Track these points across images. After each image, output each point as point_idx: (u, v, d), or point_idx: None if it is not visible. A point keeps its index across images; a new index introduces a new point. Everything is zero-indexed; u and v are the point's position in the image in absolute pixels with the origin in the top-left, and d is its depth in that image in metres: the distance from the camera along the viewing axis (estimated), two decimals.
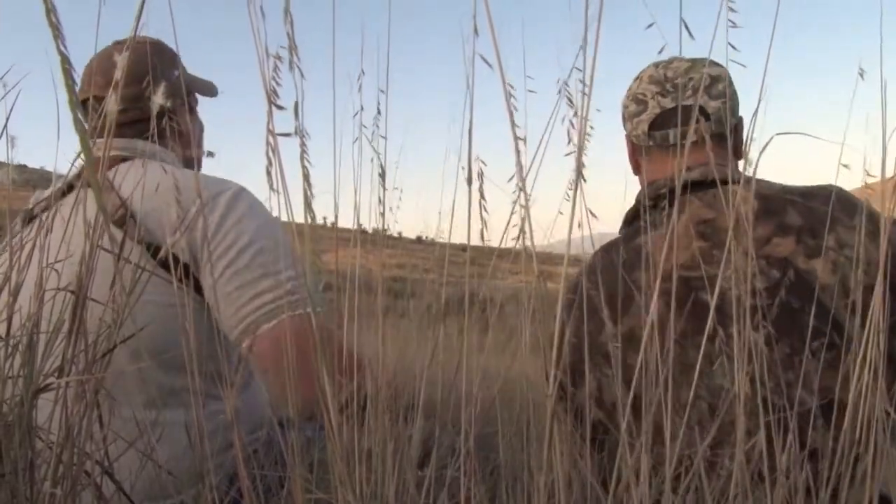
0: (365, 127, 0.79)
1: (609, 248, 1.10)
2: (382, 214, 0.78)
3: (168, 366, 0.92)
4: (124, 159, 1.14)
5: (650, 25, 0.69)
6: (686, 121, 1.06)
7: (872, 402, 0.64)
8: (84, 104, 1.19)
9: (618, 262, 1.05)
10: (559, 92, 0.64)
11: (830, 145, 0.78)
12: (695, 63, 1.10)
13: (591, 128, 0.77)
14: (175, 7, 0.69)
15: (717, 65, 1.10)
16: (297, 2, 0.63)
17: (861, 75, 0.79)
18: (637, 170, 1.20)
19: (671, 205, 1.06)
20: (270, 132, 0.64)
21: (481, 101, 0.64)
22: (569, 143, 0.64)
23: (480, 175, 0.64)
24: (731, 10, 0.71)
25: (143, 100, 1.14)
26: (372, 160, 0.77)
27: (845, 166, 0.83)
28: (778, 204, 0.99)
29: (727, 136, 1.10)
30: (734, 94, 1.11)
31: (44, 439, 0.61)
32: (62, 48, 0.43)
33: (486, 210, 0.65)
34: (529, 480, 0.64)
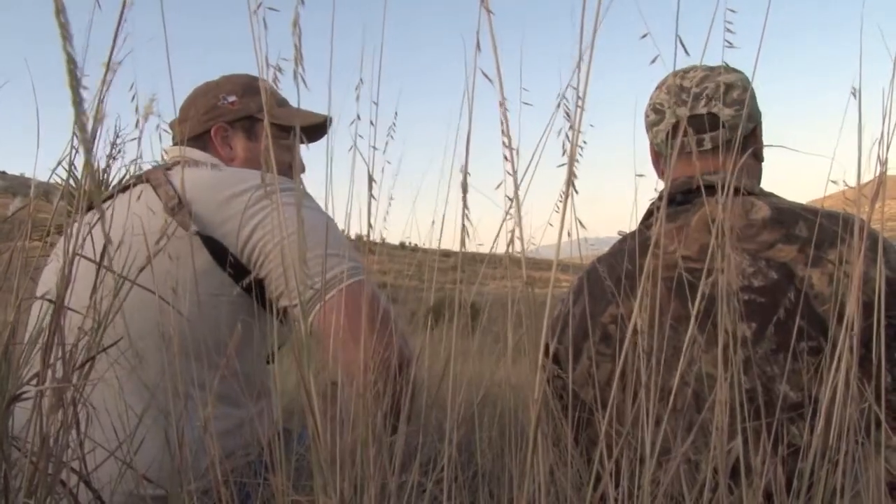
0: (361, 137, 0.79)
1: (627, 237, 1.15)
2: (369, 224, 0.78)
3: (201, 359, 0.93)
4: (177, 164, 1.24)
5: (644, 36, 0.70)
6: (700, 129, 1.10)
7: (847, 406, 0.65)
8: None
9: (631, 248, 1.09)
10: (558, 106, 0.64)
11: (820, 156, 0.79)
12: (711, 71, 1.13)
13: (584, 142, 0.78)
14: (173, 13, 0.69)
15: (734, 71, 1.14)
16: (289, 5, 0.63)
17: (854, 94, 0.81)
18: (661, 175, 1.25)
19: (687, 202, 1.11)
20: (268, 142, 0.65)
21: (475, 109, 0.64)
22: (563, 154, 0.64)
23: (466, 185, 0.64)
24: (729, 31, 0.72)
25: (183, 123, 1.30)
26: (368, 164, 0.78)
27: (833, 182, 0.85)
28: (790, 216, 1.03)
29: (746, 142, 1.14)
30: (751, 99, 1.14)
31: (20, 449, 0.60)
32: (69, 49, 0.42)
33: (468, 219, 0.66)
34: (510, 486, 0.64)
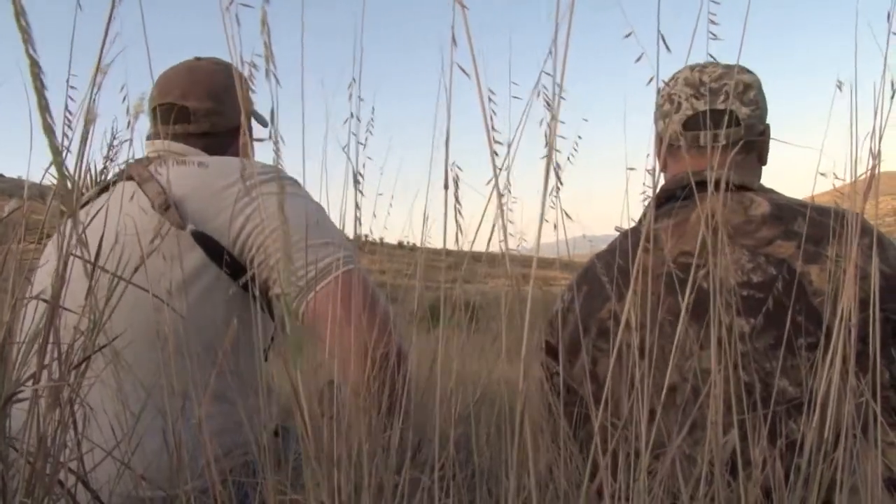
0: (354, 134, 0.80)
1: (626, 233, 1.14)
2: (357, 219, 0.78)
3: (203, 359, 0.93)
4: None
5: (628, 35, 0.70)
6: (717, 124, 1.10)
7: (844, 401, 0.65)
8: (154, 111, 1.26)
9: (627, 245, 1.09)
10: (538, 95, 0.65)
11: (809, 149, 0.79)
12: (729, 69, 1.14)
13: (579, 137, 0.78)
14: (151, 14, 0.69)
15: (749, 72, 1.15)
16: (279, 3, 0.64)
17: (839, 87, 0.81)
18: (664, 167, 1.25)
19: (687, 198, 1.10)
20: (247, 137, 0.65)
21: (463, 108, 0.65)
22: (545, 145, 0.65)
23: (456, 181, 0.65)
24: (713, 22, 0.73)
25: (216, 115, 1.23)
26: (363, 164, 0.78)
27: (822, 175, 0.86)
28: (789, 212, 1.03)
29: (754, 142, 1.14)
30: (764, 101, 1.16)
31: (17, 448, 0.60)
32: (31, 52, 0.42)
33: (461, 214, 0.66)
34: (505, 482, 0.64)
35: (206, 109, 1.23)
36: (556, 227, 0.64)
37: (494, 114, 0.60)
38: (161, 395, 0.80)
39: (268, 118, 0.66)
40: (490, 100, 0.60)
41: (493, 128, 0.60)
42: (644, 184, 1.12)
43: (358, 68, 0.73)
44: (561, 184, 0.61)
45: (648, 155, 1.30)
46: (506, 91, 0.63)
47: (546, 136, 0.62)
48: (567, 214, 0.63)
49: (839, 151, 0.74)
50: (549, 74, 0.58)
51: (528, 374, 0.59)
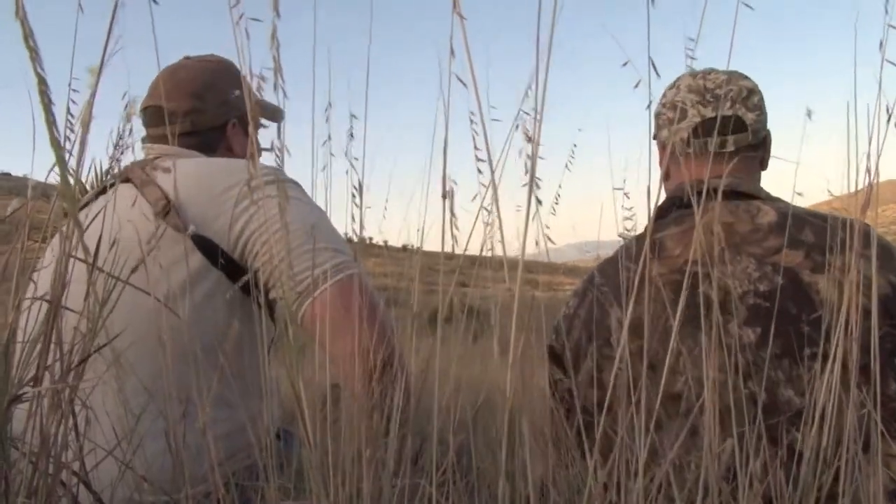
0: (351, 135, 0.81)
1: (630, 242, 1.14)
2: (357, 231, 0.80)
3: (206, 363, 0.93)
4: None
5: (625, 63, 0.72)
6: (726, 131, 1.10)
7: (845, 411, 0.65)
8: (145, 111, 1.27)
9: (632, 253, 1.09)
10: (516, 127, 0.66)
11: (799, 163, 0.80)
12: (731, 76, 1.15)
13: (575, 145, 0.79)
14: (159, 19, 0.70)
15: (747, 78, 1.16)
16: (290, 4, 0.64)
17: (809, 115, 0.82)
18: (667, 176, 1.24)
19: (696, 206, 1.10)
20: (253, 146, 0.66)
21: (461, 117, 0.65)
22: (525, 173, 0.66)
23: (452, 193, 0.66)
24: (691, 57, 0.75)
25: (196, 114, 1.23)
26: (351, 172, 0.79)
27: (799, 194, 0.87)
28: (796, 221, 1.03)
29: (759, 147, 1.15)
30: (765, 106, 1.16)
31: (19, 448, 0.60)
32: (39, 70, 0.43)
33: (457, 227, 0.68)
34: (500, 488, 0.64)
35: (185, 109, 1.22)
36: (536, 243, 0.65)
37: (475, 133, 0.61)
38: (163, 398, 0.79)
39: (275, 128, 0.67)
40: (475, 119, 0.61)
41: (487, 143, 0.61)
42: (623, 206, 1.12)
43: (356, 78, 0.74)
44: (540, 202, 0.62)
45: (626, 180, 1.29)
46: (494, 101, 0.65)
47: (526, 165, 0.63)
48: (550, 239, 0.65)
49: (835, 163, 0.74)
50: (526, 113, 0.59)
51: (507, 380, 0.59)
